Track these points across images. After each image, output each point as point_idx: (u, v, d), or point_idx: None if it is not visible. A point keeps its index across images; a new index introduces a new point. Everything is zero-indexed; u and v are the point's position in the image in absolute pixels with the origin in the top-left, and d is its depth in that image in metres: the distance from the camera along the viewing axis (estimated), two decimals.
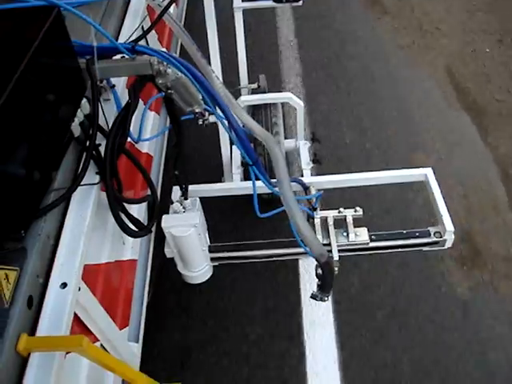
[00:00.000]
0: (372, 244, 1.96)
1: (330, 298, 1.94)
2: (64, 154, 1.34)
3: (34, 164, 1.16)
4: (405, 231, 2.00)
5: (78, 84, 1.39)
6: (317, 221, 1.99)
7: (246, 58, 2.82)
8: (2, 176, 1.02)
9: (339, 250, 1.91)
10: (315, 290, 1.90)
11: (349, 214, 1.98)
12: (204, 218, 1.94)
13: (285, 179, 1.55)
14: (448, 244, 2.02)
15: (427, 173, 2.13)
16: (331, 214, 1.99)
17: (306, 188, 2.09)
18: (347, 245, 1.94)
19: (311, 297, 1.94)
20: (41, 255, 1.15)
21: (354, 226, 1.96)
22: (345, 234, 1.95)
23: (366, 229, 1.96)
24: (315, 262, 1.74)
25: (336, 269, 1.84)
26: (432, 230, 2.01)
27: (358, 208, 1.98)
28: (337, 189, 2.20)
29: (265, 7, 2.52)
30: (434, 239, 2.00)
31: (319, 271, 1.78)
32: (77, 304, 1.18)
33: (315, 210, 2.02)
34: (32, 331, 1.06)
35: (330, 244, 1.92)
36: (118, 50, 1.43)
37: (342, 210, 1.98)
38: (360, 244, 1.95)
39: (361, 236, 1.95)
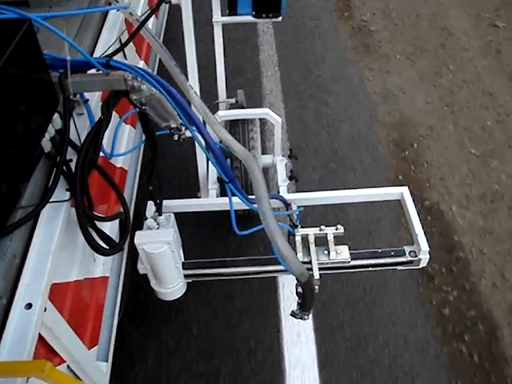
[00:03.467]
0: (353, 262, 1.95)
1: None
2: (33, 169, 1.31)
3: (1, 178, 1.13)
4: (380, 250, 2.00)
5: (50, 98, 1.36)
6: (297, 238, 1.97)
7: (224, 73, 2.82)
8: None
9: (320, 268, 1.89)
10: (295, 308, 1.89)
11: (330, 231, 1.96)
12: (178, 234, 1.92)
13: (264, 198, 1.53)
14: (423, 263, 2.02)
15: (403, 192, 2.14)
16: (312, 232, 1.97)
17: (286, 204, 2.08)
18: (328, 263, 1.93)
19: (291, 315, 1.92)
20: (5, 275, 1.12)
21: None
22: (326, 251, 1.93)
23: (346, 247, 1.95)
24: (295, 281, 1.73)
25: (316, 287, 1.82)
26: (407, 249, 2.02)
27: (339, 226, 1.97)
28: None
29: (244, 22, 2.51)
30: (409, 258, 2.01)
31: (299, 290, 1.76)
32: (42, 325, 1.15)
33: (296, 227, 2.01)
34: None
35: (310, 262, 1.90)
36: (92, 65, 1.40)
37: (323, 227, 1.97)
38: (341, 262, 1.94)
39: (342, 254, 1.93)
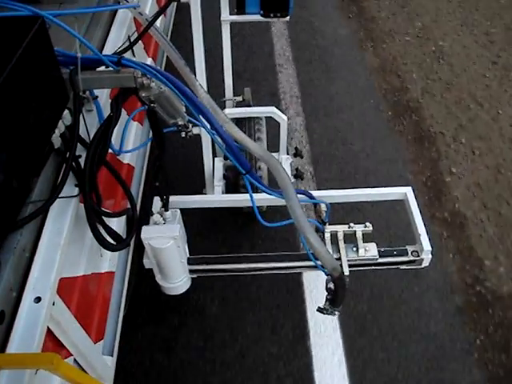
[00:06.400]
0: (381, 260, 1.98)
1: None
2: (44, 164, 1.33)
3: (12, 173, 1.15)
4: (382, 249, 2.01)
5: (61, 94, 1.37)
6: (327, 235, 2.00)
7: (231, 71, 2.83)
8: None
9: (349, 265, 1.93)
10: (323, 303, 1.91)
11: (358, 229, 2.00)
12: (184, 230, 1.94)
13: (292, 192, 1.54)
14: (425, 263, 2.04)
15: (407, 192, 2.16)
16: (341, 229, 2.01)
17: (313, 199, 2.09)
18: (357, 260, 1.97)
19: (318, 310, 1.94)
20: (15, 269, 1.13)
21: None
22: (354, 248, 1.97)
23: (374, 244, 1.99)
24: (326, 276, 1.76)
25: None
26: (409, 248, 2.03)
27: (367, 223, 2.00)
28: None
29: (252, 21, 2.52)
30: (412, 258, 2.02)
31: (330, 285, 1.78)
32: (50, 319, 1.16)
33: (325, 223, 2.04)
34: (2, 347, 1.04)
35: (340, 258, 1.94)
36: (103, 62, 1.42)
37: (352, 224, 2.00)
38: (369, 259, 1.98)
39: (370, 251, 1.97)
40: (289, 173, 2.64)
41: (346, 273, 1.89)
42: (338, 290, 1.78)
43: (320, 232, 2.01)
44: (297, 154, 2.72)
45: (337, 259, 1.93)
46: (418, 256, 2.01)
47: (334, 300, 1.85)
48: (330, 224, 2.04)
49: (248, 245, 2.95)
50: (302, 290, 2.78)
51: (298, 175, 2.63)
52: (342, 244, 1.98)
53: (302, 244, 1.65)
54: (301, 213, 1.53)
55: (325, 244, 1.95)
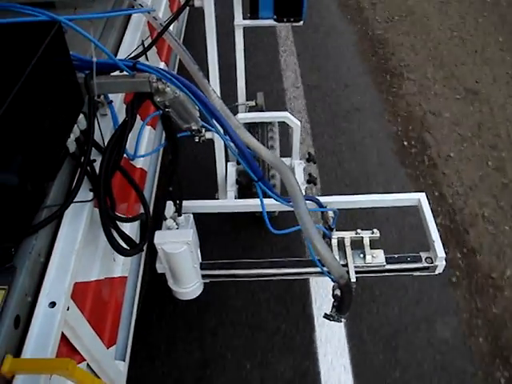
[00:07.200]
0: (388, 266, 1.97)
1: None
2: (59, 168, 1.33)
3: (28, 178, 1.15)
4: (396, 255, 2.00)
5: (76, 98, 1.38)
6: (334, 241, 1.99)
7: (244, 75, 2.83)
8: None
9: (355, 272, 1.91)
10: (330, 310, 1.90)
11: (366, 235, 1.98)
12: (197, 235, 1.94)
13: (300, 200, 1.54)
14: (439, 270, 2.02)
15: (420, 198, 2.14)
16: (348, 235, 1.99)
17: (321, 206, 2.10)
18: (364, 266, 1.95)
19: (325, 317, 1.93)
20: (30, 273, 1.13)
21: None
22: (361, 255, 1.96)
23: (382, 251, 1.97)
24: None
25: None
26: (423, 255, 2.02)
27: (375, 230, 1.99)
28: None
29: (265, 25, 2.52)
30: (426, 264, 2.00)
31: (337, 292, 1.77)
32: (65, 324, 1.16)
33: (332, 229, 2.03)
34: (18, 351, 1.04)
35: (347, 265, 1.92)
36: (118, 67, 1.42)
37: (359, 231, 1.99)
38: (376, 266, 1.96)
39: (377, 258, 1.96)
40: (301, 178, 2.63)
41: (353, 279, 1.87)
42: (344, 297, 1.77)
43: (327, 238, 2.00)
44: (310, 159, 2.71)
45: (344, 265, 1.91)
46: (432, 262, 1.99)
47: (341, 307, 1.84)
48: (337, 230, 2.03)
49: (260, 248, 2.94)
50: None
51: (310, 181, 2.62)
52: (349, 250, 1.97)
53: (308, 250, 1.63)
54: (308, 220, 1.53)
55: (332, 250, 1.94)
